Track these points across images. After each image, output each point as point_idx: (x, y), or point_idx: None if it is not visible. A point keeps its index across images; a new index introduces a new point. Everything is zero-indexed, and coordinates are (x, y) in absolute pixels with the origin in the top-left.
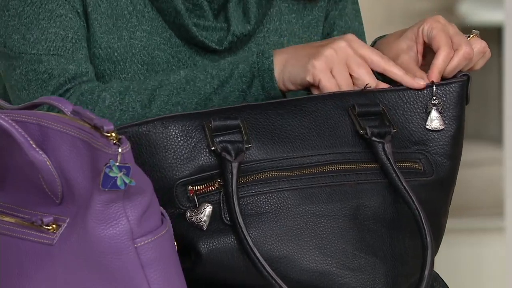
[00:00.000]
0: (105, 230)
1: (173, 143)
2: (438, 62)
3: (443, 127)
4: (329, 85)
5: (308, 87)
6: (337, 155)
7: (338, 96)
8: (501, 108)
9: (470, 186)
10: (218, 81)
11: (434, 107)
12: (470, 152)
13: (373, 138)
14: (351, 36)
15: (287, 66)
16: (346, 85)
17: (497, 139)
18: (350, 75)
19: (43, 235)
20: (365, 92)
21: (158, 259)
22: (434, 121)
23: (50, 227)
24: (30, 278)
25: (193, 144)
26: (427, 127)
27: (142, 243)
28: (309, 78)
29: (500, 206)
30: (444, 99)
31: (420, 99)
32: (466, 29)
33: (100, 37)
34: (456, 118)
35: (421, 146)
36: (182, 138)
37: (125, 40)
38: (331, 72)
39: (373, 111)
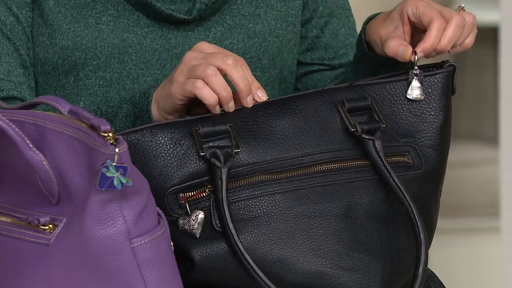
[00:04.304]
0: (101, 230)
1: (162, 151)
2: (431, 34)
3: (423, 97)
4: (202, 90)
5: (189, 110)
6: (328, 154)
7: (327, 92)
8: (497, 108)
9: (466, 186)
10: (106, 118)
11: (415, 77)
12: (466, 152)
13: (364, 136)
14: (199, 44)
15: (159, 101)
16: (214, 77)
17: (493, 139)
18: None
19: (40, 235)
20: (353, 86)
21: (154, 259)
22: (415, 90)
23: (47, 227)
24: (26, 278)
25: (182, 151)
26: (407, 96)
27: (139, 243)
28: (180, 99)
29: (496, 206)
30: (430, 90)
31: (406, 91)
32: None
33: (67, 28)
34: (442, 108)
35: (409, 138)
36: (171, 145)
37: (92, 27)
38: (193, 78)
39: (362, 106)
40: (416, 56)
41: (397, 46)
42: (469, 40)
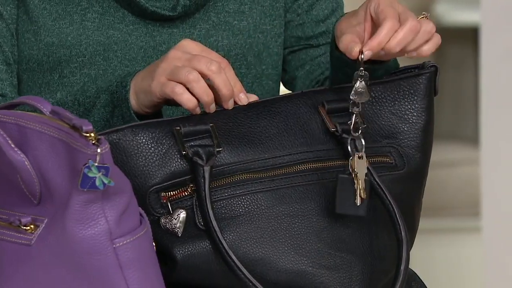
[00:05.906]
0: (83, 230)
1: (144, 150)
2: (381, 32)
3: (368, 99)
4: (181, 96)
5: (169, 104)
6: (309, 154)
7: (307, 94)
8: (477, 108)
9: (447, 186)
10: (84, 108)
11: (359, 78)
12: (446, 152)
13: (344, 135)
14: (184, 42)
15: (138, 94)
16: (196, 83)
17: (473, 139)
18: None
19: (21, 235)
20: (334, 88)
21: (136, 259)
22: (359, 92)
23: (28, 228)
24: (9, 278)
25: (164, 150)
26: (351, 97)
27: (121, 243)
28: (158, 98)
29: (476, 206)
30: (412, 91)
31: (388, 92)
32: (442, 30)
33: (52, 25)
34: (425, 110)
35: (391, 139)
36: (153, 145)
37: (77, 23)
38: (174, 80)
39: (342, 107)
40: (362, 56)
41: (348, 41)
42: (427, 48)
